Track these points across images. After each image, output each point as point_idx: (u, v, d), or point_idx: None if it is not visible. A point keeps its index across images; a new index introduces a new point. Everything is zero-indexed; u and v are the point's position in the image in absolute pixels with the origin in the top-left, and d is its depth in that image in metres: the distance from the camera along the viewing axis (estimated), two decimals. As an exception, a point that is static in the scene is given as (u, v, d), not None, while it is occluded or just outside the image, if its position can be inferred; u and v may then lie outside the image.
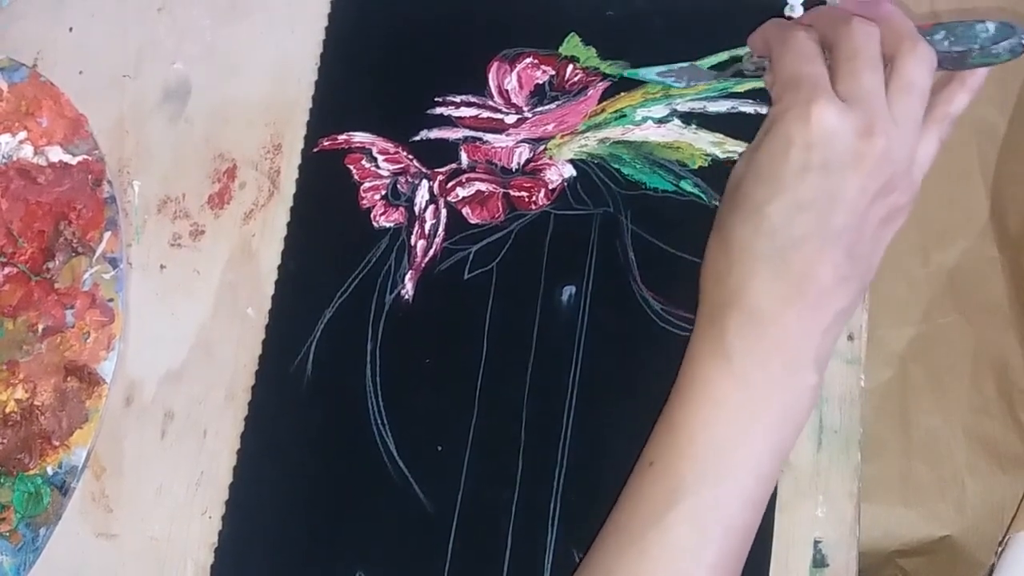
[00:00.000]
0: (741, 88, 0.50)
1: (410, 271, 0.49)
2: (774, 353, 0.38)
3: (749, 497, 0.38)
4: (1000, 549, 0.52)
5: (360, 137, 0.52)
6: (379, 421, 0.47)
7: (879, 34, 0.39)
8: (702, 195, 0.49)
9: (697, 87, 0.48)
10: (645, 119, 0.50)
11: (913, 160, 0.39)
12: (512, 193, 0.50)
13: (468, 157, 0.51)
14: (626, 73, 0.49)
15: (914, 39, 0.38)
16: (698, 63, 0.49)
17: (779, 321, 0.38)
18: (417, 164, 0.51)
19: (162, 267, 0.51)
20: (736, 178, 0.41)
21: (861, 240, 0.38)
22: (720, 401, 0.38)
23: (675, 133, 0.50)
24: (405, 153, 0.51)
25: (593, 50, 0.51)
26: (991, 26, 0.39)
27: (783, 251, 0.38)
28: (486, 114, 0.51)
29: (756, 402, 0.38)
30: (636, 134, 0.50)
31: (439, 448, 0.47)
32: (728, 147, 0.49)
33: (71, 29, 0.55)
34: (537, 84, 0.51)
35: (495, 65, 0.52)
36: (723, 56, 0.50)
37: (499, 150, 0.51)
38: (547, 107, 0.51)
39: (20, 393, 0.50)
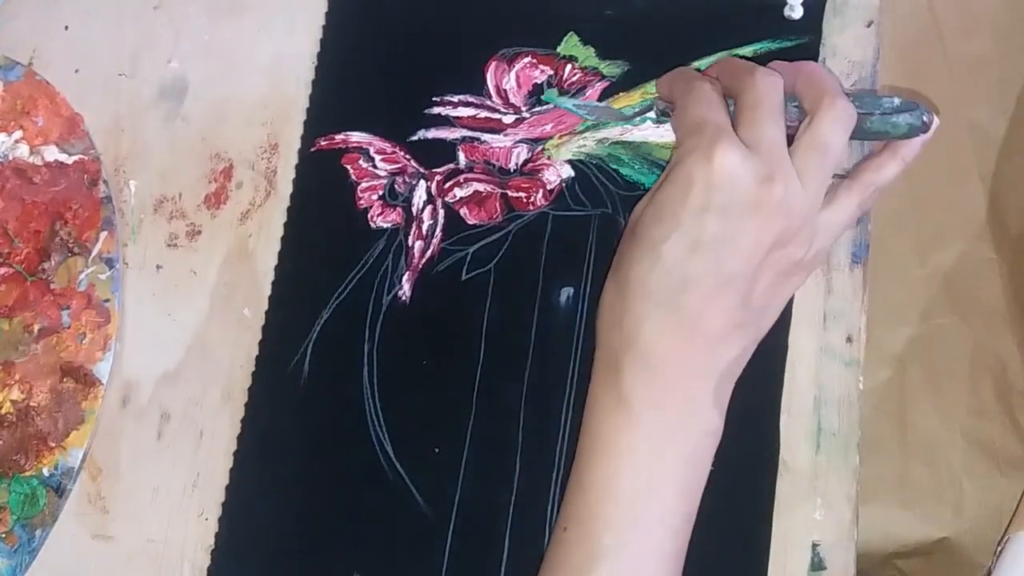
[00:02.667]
0: (740, 88, 0.50)
1: (407, 272, 0.49)
2: (669, 398, 0.38)
3: (664, 552, 0.38)
4: (999, 549, 0.52)
5: (357, 137, 0.51)
6: (376, 423, 0.47)
7: (782, 85, 0.39)
8: (701, 196, 0.48)
9: (607, 125, 0.49)
10: (644, 119, 0.50)
11: (815, 218, 0.39)
12: (510, 194, 0.50)
13: (466, 157, 0.50)
14: (543, 97, 0.49)
15: (833, 96, 0.39)
16: (696, 64, 0.48)
17: (672, 365, 0.37)
18: (415, 164, 0.51)
19: (158, 267, 0.51)
20: (635, 218, 0.41)
21: (755, 289, 0.38)
22: (623, 452, 0.38)
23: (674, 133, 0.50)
24: (402, 153, 0.51)
25: (592, 50, 0.51)
26: (896, 99, 0.41)
27: (676, 292, 0.37)
28: (484, 114, 0.51)
29: (657, 449, 0.38)
30: (635, 134, 0.50)
31: (436, 450, 0.46)
32: (727, 148, 0.49)
33: (67, 27, 0.55)
34: (535, 84, 0.51)
35: (493, 65, 0.51)
36: (722, 56, 0.50)
37: (497, 150, 0.50)
38: (545, 107, 0.51)
39: (16, 394, 0.50)
